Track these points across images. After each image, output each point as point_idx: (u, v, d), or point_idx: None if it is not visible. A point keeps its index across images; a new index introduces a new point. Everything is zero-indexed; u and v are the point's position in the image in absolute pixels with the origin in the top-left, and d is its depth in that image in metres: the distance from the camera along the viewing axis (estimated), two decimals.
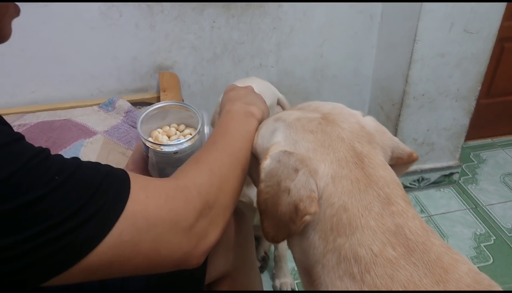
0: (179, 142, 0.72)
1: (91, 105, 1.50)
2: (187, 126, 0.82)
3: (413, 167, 1.66)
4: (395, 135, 1.56)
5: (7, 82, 1.47)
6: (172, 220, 0.51)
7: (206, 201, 0.56)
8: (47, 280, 0.43)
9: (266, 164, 0.60)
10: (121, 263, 0.47)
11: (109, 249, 0.46)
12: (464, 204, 1.70)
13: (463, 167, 1.86)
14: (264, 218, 0.62)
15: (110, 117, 1.44)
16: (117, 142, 1.34)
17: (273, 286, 1.42)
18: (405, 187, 1.75)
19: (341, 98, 1.76)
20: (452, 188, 1.78)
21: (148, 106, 0.79)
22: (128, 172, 0.52)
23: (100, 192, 0.46)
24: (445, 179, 1.77)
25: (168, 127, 0.79)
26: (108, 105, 1.48)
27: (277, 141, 0.63)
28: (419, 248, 0.53)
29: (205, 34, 1.50)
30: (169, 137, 0.78)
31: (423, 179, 1.75)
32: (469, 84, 1.53)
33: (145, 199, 0.50)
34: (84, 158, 1.27)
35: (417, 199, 1.73)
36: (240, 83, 1.03)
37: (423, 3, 1.33)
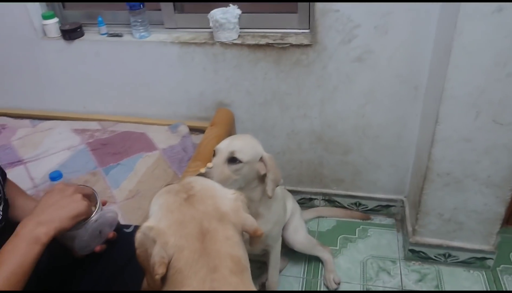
0: None
1: (163, 125, 1.90)
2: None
3: (438, 241, 1.67)
4: (419, 206, 1.60)
5: (112, 96, 1.96)
6: None
7: None
8: None
9: (137, 236, 0.82)
10: None
11: None
12: None
13: (506, 255, 1.73)
14: (145, 272, 0.84)
15: (172, 138, 1.82)
16: (166, 160, 1.71)
17: None
18: (429, 258, 1.74)
19: (383, 157, 1.83)
20: (484, 272, 1.69)
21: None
22: None
23: None
24: (476, 261, 1.69)
25: None
26: (174, 128, 1.86)
27: (150, 217, 0.85)
28: None
29: (258, 83, 1.76)
30: None
31: (450, 255, 1.71)
32: (501, 173, 1.47)
33: None
34: (136, 168, 1.67)
35: (438, 272, 1.71)
36: (229, 139, 1.28)
37: (445, 89, 1.36)
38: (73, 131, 1.91)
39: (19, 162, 1.74)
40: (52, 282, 1.05)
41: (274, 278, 1.55)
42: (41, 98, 2.06)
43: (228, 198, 0.86)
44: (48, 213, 0.87)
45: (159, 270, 0.77)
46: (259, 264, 1.72)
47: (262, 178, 1.27)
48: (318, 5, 1.54)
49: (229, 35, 1.68)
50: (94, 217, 0.97)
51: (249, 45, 1.68)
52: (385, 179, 1.90)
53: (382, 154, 1.82)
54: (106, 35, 1.85)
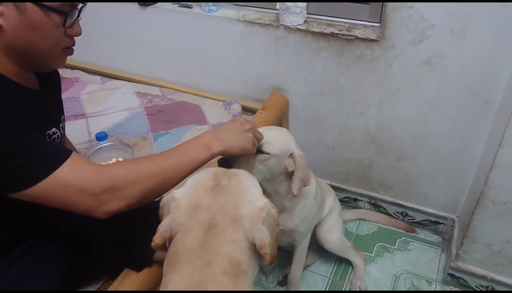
0: None
1: (219, 100, 1.92)
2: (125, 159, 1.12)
3: (483, 271, 1.55)
4: (466, 230, 1.49)
5: (174, 65, 2.01)
6: (80, 187, 0.84)
7: (114, 185, 0.87)
8: (9, 192, 0.81)
9: (163, 198, 0.88)
10: (49, 199, 0.84)
11: (41, 190, 0.82)
12: None
13: None
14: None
15: (223, 115, 1.83)
16: None
17: None
18: (469, 287, 1.60)
19: (440, 171, 1.69)
20: None
21: (97, 144, 1.11)
22: (72, 153, 0.87)
23: (41, 160, 0.82)
24: None
25: (107, 162, 1.11)
26: (228, 105, 1.87)
27: (183, 186, 0.89)
28: None
29: (317, 72, 1.70)
30: None
31: (493, 290, 1.56)
32: None
33: (68, 171, 0.84)
34: (183, 139, 1.71)
35: None
36: (262, 129, 1.25)
37: None
38: (135, 94, 1.99)
39: (82, 115, 1.86)
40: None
41: (296, 273, 1.53)
42: (112, 58, 2.17)
43: (253, 204, 0.84)
44: (226, 134, 1.02)
45: (156, 240, 0.82)
46: (288, 255, 1.70)
47: (290, 173, 1.24)
48: None
49: (294, 20, 1.63)
50: None
51: (313, 33, 1.61)
52: (438, 194, 1.76)
53: (439, 167, 1.69)
54: (177, 5, 1.88)
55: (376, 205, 1.93)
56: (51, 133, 0.99)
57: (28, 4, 0.81)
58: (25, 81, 0.93)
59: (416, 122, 1.63)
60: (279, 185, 1.27)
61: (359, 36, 1.54)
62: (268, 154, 1.18)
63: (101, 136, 1.34)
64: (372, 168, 1.83)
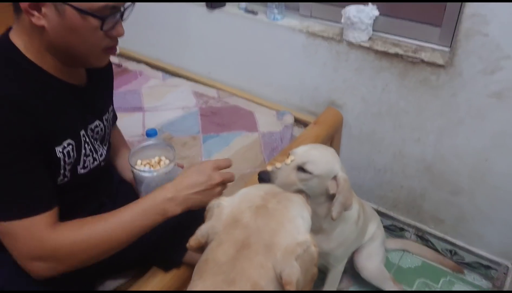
0: (145, 170, 1.06)
1: (273, 109, 1.91)
2: (167, 158, 1.12)
3: None
4: None
5: (233, 69, 2.03)
6: (20, 250, 0.83)
7: (54, 255, 0.84)
8: None
9: (211, 202, 0.86)
10: None
11: None
12: None
13: None
14: None
15: (275, 124, 1.82)
16: (261, 145, 1.72)
17: None
18: None
19: (498, 212, 1.56)
20: None
21: (145, 140, 1.12)
22: (44, 212, 0.84)
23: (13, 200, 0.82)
24: None
25: (150, 159, 1.11)
26: (281, 115, 1.85)
27: (234, 195, 0.87)
28: None
29: (376, 92, 1.63)
30: (151, 166, 1.09)
31: None
32: None
33: (22, 228, 0.82)
34: (232, 144, 1.71)
35: None
36: (308, 146, 1.22)
37: None
38: (192, 93, 2.03)
39: (140, 108, 1.93)
40: None
41: None
42: (176, 55, 2.23)
43: (293, 236, 0.78)
44: (188, 193, 0.94)
45: (191, 242, 0.81)
46: (322, 275, 1.65)
47: (332, 195, 1.19)
48: (465, 24, 1.34)
49: (358, 36, 1.58)
50: (165, 169, 1.06)
51: (376, 51, 1.56)
52: (494, 236, 1.63)
53: (498, 208, 1.56)
54: (244, 10, 1.89)
55: (423, 238, 1.82)
56: (93, 127, 1.02)
57: (67, 7, 0.82)
58: (69, 76, 0.95)
59: (477, 157, 1.52)
60: (319, 205, 1.23)
61: (425, 59, 1.47)
62: (311, 173, 1.15)
63: (151, 133, 1.37)
64: (424, 198, 1.73)
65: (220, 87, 2.06)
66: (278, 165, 1.17)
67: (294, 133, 1.79)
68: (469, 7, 1.32)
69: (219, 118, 1.86)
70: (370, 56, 1.58)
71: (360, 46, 1.59)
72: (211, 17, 1.96)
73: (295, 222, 0.82)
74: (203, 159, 1.63)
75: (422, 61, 1.48)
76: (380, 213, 1.85)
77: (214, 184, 0.97)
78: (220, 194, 0.98)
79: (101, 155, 1.05)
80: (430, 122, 1.57)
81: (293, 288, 0.75)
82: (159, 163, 1.10)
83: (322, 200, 1.22)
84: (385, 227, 1.87)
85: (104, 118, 1.08)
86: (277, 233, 0.79)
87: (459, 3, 1.39)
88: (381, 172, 1.80)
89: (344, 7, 1.58)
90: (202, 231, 0.82)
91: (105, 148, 1.10)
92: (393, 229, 1.89)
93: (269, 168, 1.17)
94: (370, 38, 1.60)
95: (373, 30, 1.60)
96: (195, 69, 2.18)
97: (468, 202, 1.62)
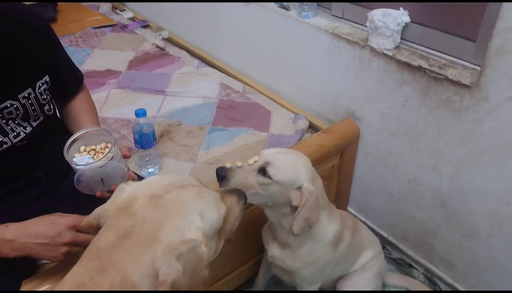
0: (77, 160, 0.99)
1: (293, 112, 1.81)
2: (107, 144, 1.03)
3: None
4: None
5: (261, 64, 1.97)
6: None
7: None
8: None
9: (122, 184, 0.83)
10: None
11: None
12: None
13: None
14: None
15: (288, 127, 1.73)
16: (265, 145, 1.64)
17: None
18: None
19: None
20: None
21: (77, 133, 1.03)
22: None
23: None
24: None
25: (89, 147, 1.03)
26: (296, 118, 1.76)
27: (139, 182, 0.83)
28: None
29: (396, 107, 1.46)
30: (96, 152, 1.02)
31: None
32: None
33: None
34: (235, 140, 1.66)
35: None
36: (278, 150, 1.12)
37: None
38: (219, 85, 2.00)
39: (163, 92, 1.94)
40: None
41: None
42: (214, 45, 2.22)
43: (181, 233, 0.72)
44: (24, 243, 0.88)
45: (82, 223, 0.82)
46: None
47: (297, 208, 1.08)
48: (497, 39, 1.13)
49: (382, 42, 1.42)
50: (97, 162, 0.98)
51: (398, 61, 1.39)
52: None
53: None
54: (277, 5, 1.81)
55: (432, 281, 1.59)
56: (1, 108, 0.94)
57: None
58: None
59: (498, 199, 1.28)
60: (283, 216, 1.13)
61: (449, 77, 1.27)
62: (271, 178, 1.05)
63: (140, 113, 1.35)
64: (436, 236, 1.51)
65: (247, 82, 2.01)
66: (239, 163, 1.09)
67: (304, 138, 1.67)
68: (502, 19, 1.11)
69: (234, 112, 1.81)
70: (392, 67, 1.42)
71: (383, 54, 1.43)
72: (246, 9, 1.91)
73: (188, 218, 0.74)
74: (199, 150, 1.59)
75: (446, 78, 1.28)
76: (390, 243, 1.67)
77: (61, 242, 0.89)
78: (64, 254, 0.91)
79: (17, 135, 1.00)
80: (449, 150, 1.36)
81: (165, 289, 0.68)
82: (104, 149, 1.03)
83: (286, 210, 1.11)
84: (393, 260, 1.69)
85: (21, 96, 0.99)
86: (163, 227, 0.72)
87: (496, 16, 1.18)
88: (394, 198, 1.61)
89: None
90: (95, 213, 0.79)
91: (34, 123, 1.04)
92: (401, 264, 1.68)
93: (228, 165, 1.09)
94: (397, 47, 1.43)
95: (402, 38, 1.44)
96: (230, 61, 2.14)
97: (483, 249, 1.38)
